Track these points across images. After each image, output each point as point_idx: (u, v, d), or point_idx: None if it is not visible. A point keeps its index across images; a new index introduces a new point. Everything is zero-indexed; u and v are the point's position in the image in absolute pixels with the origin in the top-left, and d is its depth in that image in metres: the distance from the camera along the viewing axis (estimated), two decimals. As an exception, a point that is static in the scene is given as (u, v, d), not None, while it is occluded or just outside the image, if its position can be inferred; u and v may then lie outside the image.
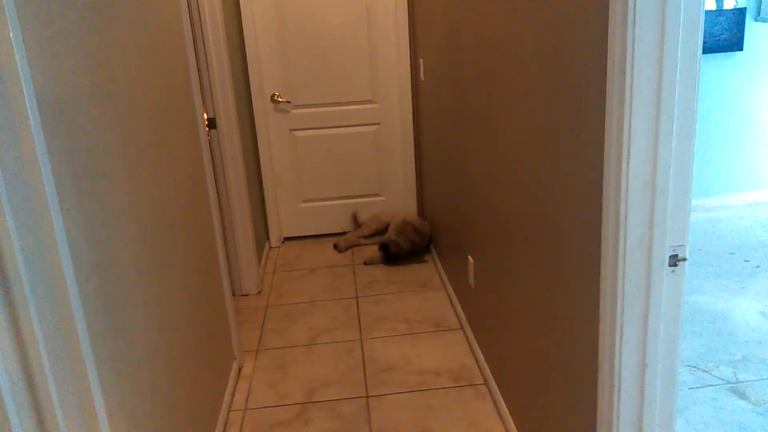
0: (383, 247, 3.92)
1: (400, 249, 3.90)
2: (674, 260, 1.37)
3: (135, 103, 1.71)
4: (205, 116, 3.18)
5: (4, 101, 1.02)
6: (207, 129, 3.16)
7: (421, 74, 3.82)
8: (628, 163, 1.29)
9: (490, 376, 2.56)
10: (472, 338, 2.89)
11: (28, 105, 1.00)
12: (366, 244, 4.23)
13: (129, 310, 1.54)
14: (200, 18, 3.05)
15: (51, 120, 1.20)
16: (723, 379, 2.60)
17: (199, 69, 3.03)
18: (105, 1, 1.55)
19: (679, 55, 1.25)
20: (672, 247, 1.36)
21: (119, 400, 1.43)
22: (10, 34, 0.95)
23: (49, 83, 1.21)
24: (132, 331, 1.56)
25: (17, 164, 1.06)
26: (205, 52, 3.11)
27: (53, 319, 1.14)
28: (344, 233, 4.42)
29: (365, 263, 3.95)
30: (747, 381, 2.58)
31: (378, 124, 4.26)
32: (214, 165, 3.24)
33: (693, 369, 2.68)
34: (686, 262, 1.38)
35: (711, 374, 2.64)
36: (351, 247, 4.24)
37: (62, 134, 1.25)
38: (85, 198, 1.33)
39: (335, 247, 4.24)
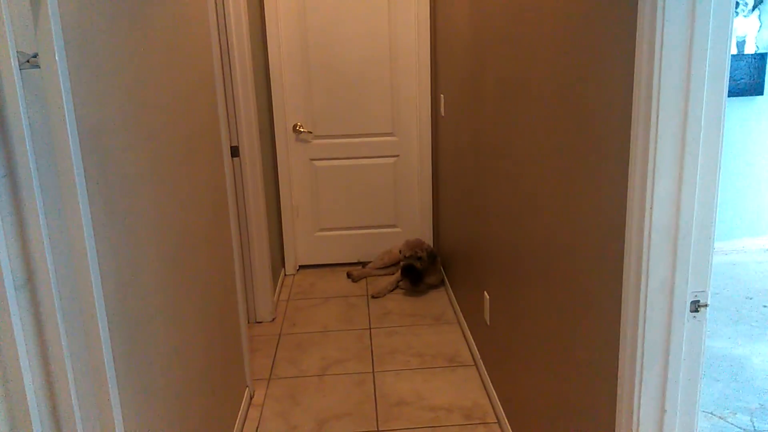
0: (408, 270, 3.90)
1: (422, 261, 3.89)
2: (696, 306, 1.36)
3: (164, 131, 1.75)
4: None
5: (48, 127, 1.06)
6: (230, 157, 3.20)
7: (442, 109, 3.86)
8: (651, 208, 1.30)
9: (503, 415, 2.54)
10: (485, 375, 2.86)
11: (69, 131, 1.03)
12: (379, 275, 4.23)
13: (149, 335, 1.56)
14: (229, 51, 3.12)
15: (88, 145, 1.23)
16: (740, 427, 2.56)
17: (225, 99, 3.09)
18: (142, 35, 1.60)
19: (704, 100, 1.26)
20: (694, 292, 1.35)
21: (137, 423, 1.44)
22: (58, 68, 0.98)
23: (88, 112, 1.25)
24: (151, 354, 1.57)
25: (55, 186, 1.09)
26: (232, 83, 3.18)
27: (81, 337, 1.16)
28: (359, 263, 4.43)
29: (373, 296, 3.95)
30: (765, 430, 2.53)
31: (397, 156, 4.29)
32: (235, 192, 3.28)
33: (709, 415, 2.64)
34: (707, 308, 1.38)
35: (728, 421, 2.60)
36: (364, 277, 4.24)
37: (97, 159, 1.28)
38: (114, 218, 1.36)
39: (348, 276, 4.25)
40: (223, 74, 3.08)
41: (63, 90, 1.01)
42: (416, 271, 3.88)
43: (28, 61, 1.01)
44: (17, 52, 0.93)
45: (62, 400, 1.05)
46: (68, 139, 1.03)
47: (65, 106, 1.02)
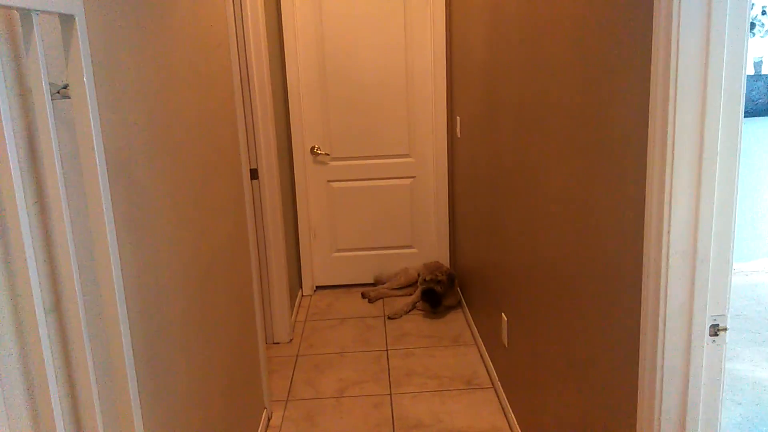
0: (428, 294, 3.90)
1: (442, 285, 3.90)
2: (715, 330, 1.36)
3: (186, 156, 1.79)
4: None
5: (77, 155, 1.09)
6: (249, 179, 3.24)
7: (458, 131, 3.88)
8: (668, 231, 1.30)
9: (522, 437, 2.52)
10: (503, 398, 2.85)
11: (97, 159, 1.06)
12: (395, 296, 4.23)
13: (170, 356, 1.58)
14: (249, 75, 3.18)
15: (114, 171, 1.27)
16: (764, 453, 2.51)
17: (245, 122, 3.14)
18: (165, 62, 1.65)
19: (720, 122, 1.27)
20: (713, 316, 1.35)
21: (157, 446, 1.45)
22: (87, 99, 1.02)
23: (114, 139, 1.29)
24: (172, 376, 1.59)
25: (83, 212, 1.12)
26: (252, 107, 3.23)
27: (105, 360, 1.18)
28: (375, 284, 4.44)
29: (390, 317, 3.95)
30: (790, 456, 2.49)
31: (413, 177, 4.32)
32: (254, 214, 3.32)
33: (732, 440, 2.59)
34: (727, 331, 1.37)
35: (751, 447, 2.56)
36: (380, 298, 4.24)
37: (123, 185, 1.32)
38: (139, 243, 1.39)
39: (364, 296, 4.25)
40: (243, 98, 3.13)
41: (92, 120, 1.04)
42: (436, 295, 3.88)
43: (58, 92, 1.05)
44: (48, 83, 0.96)
45: (88, 420, 1.07)
46: (96, 167, 1.07)
47: (94, 136, 1.05)
